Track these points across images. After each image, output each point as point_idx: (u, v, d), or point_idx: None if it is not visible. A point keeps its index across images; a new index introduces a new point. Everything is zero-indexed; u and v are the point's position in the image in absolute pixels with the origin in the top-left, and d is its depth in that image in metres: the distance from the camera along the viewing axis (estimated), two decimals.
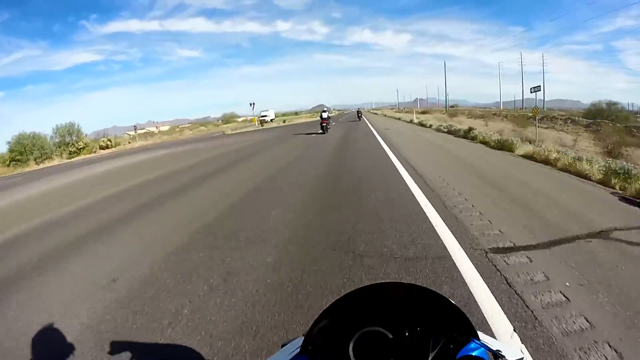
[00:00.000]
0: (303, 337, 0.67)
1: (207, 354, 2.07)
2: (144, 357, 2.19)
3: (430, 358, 0.59)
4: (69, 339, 2.37)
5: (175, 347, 2.19)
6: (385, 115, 50.92)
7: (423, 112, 47.67)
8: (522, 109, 49.83)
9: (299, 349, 0.65)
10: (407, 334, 0.62)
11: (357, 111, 39.04)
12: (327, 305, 0.64)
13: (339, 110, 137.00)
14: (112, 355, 2.22)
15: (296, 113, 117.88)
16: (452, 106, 70.51)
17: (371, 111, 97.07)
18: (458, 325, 0.62)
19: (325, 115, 21.18)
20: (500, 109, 52.69)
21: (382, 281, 0.68)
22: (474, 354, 0.59)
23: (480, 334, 0.65)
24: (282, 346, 0.78)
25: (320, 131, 20.22)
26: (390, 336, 0.62)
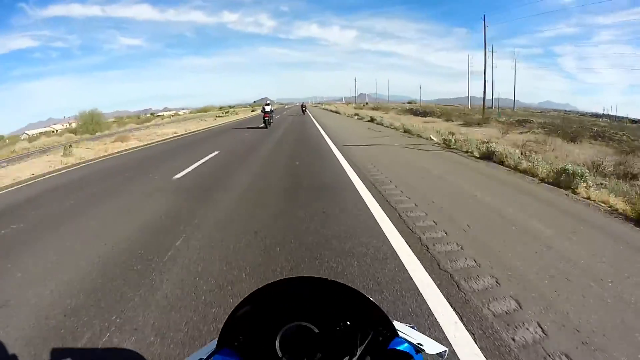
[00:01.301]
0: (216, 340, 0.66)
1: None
2: None
3: (358, 352, 0.60)
4: None
5: (115, 351, 2.09)
6: (327, 110, 53.65)
7: (358, 108, 55.11)
8: (491, 108, 51.19)
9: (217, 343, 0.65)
10: (334, 329, 0.62)
11: (302, 105, 39.51)
12: (245, 296, 0.64)
13: (283, 104, 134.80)
14: None
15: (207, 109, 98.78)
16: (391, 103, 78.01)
17: (316, 105, 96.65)
18: (379, 321, 0.63)
19: (268, 108, 20.11)
20: (457, 106, 54.13)
21: (299, 275, 0.70)
22: (400, 347, 0.62)
23: (404, 327, 0.70)
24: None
25: (262, 125, 19.57)
26: (317, 331, 0.62)
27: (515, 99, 51.93)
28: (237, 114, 52.74)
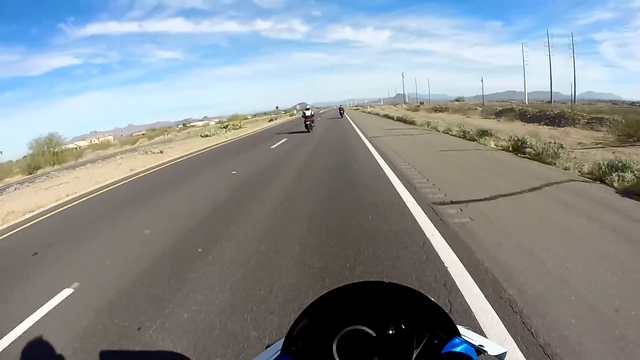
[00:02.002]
0: (282, 340, 0.70)
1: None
2: None
3: (414, 355, 0.60)
4: None
5: (164, 354, 2.17)
6: (366, 112, 49.23)
7: (411, 110, 45.27)
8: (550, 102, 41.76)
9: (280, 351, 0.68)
10: (390, 332, 0.62)
11: (339, 108, 40.05)
12: (307, 305, 0.66)
13: (319, 108, 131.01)
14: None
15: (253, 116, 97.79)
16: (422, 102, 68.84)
17: (356, 108, 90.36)
18: (439, 322, 0.63)
19: (308, 113, 19.76)
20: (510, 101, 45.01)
21: (361, 280, 0.68)
22: (457, 349, 0.61)
23: (463, 329, 0.67)
24: (267, 347, 0.81)
25: (305, 130, 19.31)
26: (374, 334, 0.62)
27: (555, 91, 46.25)
28: (271, 120, 49.60)
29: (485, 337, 0.69)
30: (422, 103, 64.24)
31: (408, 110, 43.45)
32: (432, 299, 0.64)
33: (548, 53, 44.60)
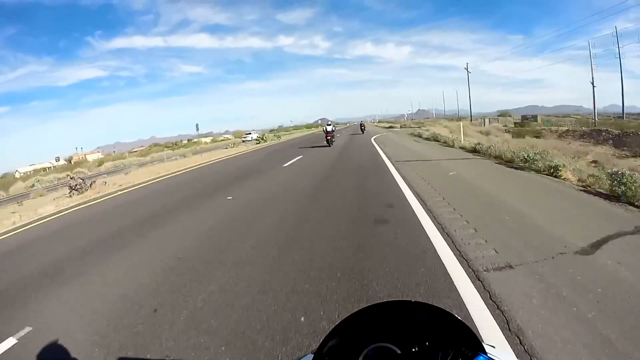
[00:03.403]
0: (311, 354, 0.71)
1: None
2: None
3: None
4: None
5: None
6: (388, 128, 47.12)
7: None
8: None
9: None
10: (414, 349, 0.64)
11: (360, 124, 40.07)
12: (335, 325, 0.68)
13: (339, 124, 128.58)
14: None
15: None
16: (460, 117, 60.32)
17: (373, 123, 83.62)
18: (464, 339, 0.64)
19: (329, 128, 20.75)
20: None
21: (388, 300, 0.72)
22: None
23: (489, 348, 0.67)
24: None
25: (325, 144, 20.09)
26: (398, 352, 0.64)
27: (577, 104, 39.46)
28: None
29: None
30: (461, 118, 55.23)
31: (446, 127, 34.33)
32: (458, 317, 0.65)
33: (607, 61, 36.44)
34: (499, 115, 53.09)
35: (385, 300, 0.69)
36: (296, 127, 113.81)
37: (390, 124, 64.18)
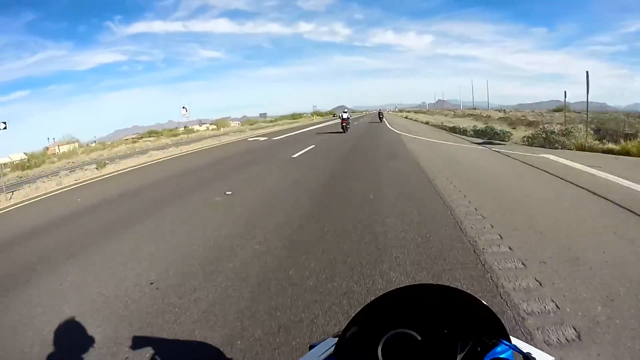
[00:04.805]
0: (332, 338, 0.76)
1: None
2: (166, 353, 2.36)
3: (458, 358, 0.62)
4: None
5: (197, 344, 2.33)
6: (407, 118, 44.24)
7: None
8: None
9: (329, 350, 0.72)
10: (435, 336, 0.64)
11: (379, 112, 39.92)
12: (360, 309, 0.68)
13: (357, 112, 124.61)
14: (134, 350, 2.39)
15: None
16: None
17: (399, 112, 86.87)
18: (489, 326, 0.65)
19: (345, 115, 23.61)
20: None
21: (414, 283, 0.71)
22: (502, 356, 0.62)
23: (513, 338, 0.68)
24: (310, 347, 0.86)
25: (341, 130, 22.76)
26: (419, 338, 0.64)
27: (599, 102, 39.33)
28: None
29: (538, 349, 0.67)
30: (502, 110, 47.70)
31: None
32: (484, 302, 0.65)
33: None
34: (554, 110, 45.27)
35: (407, 285, 0.68)
36: (294, 116, 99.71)
37: (405, 114, 58.92)
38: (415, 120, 35.87)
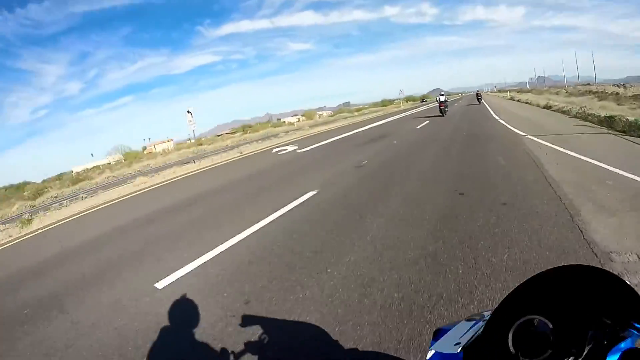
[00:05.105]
0: (464, 322, 0.78)
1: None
2: (275, 333, 2.60)
3: (585, 351, 0.58)
4: None
5: (305, 326, 2.62)
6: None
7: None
8: None
9: (467, 335, 0.72)
10: (567, 323, 0.61)
11: (477, 93, 38.59)
12: (502, 300, 0.65)
13: (452, 94, 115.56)
14: (244, 327, 2.75)
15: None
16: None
17: (490, 93, 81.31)
18: (631, 311, 0.59)
19: (442, 98, 22.74)
20: None
21: (563, 264, 0.64)
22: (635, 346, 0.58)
23: None
24: (436, 331, 0.85)
25: (439, 114, 22.25)
26: (550, 325, 0.62)
27: None
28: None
29: None
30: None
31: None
32: (628, 283, 0.60)
33: None
34: None
35: (551, 267, 0.64)
36: (384, 103, 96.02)
37: (509, 94, 48.84)
38: (526, 103, 28.21)
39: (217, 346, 2.65)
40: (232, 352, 2.43)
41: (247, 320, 2.80)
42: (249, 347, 2.42)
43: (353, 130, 23.22)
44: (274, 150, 18.60)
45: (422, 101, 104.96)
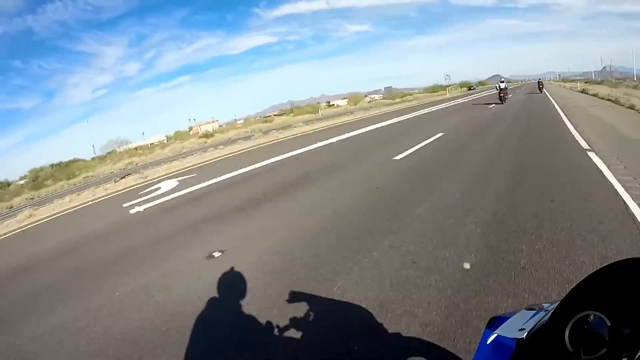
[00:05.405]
0: (525, 311, 0.78)
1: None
2: (320, 311, 2.73)
3: (638, 354, 0.53)
4: None
5: (350, 306, 2.68)
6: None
7: None
8: None
9: (528, 324, 0.72)
10: (625, 321, 0.56)
11: (538, 82, 35.93)
12: (565, 295, 0.64)
13: (512, 81, 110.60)
14: (291, 303, 2.85)
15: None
16: None
17: (553, 82, 67.17)
18: None
19: (502, 85, 22.58)
20: None
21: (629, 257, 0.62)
22: None
23: None
24: (491, 319, 0.86)
25: (499, 102, 21.69)
26: (609, 323, 0.57)
27: None
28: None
29: None
30: None
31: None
32: None
33: None
34: None
35: (614, 261, 0.61)
36: (434, 89, 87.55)
37: (580, 86, 37.92)
38: (607, 100, 17.43)
39: (263, 320, 2.80)
40: (277, 325, 2.56)
41: (295, 297, 2.88)
42: (293, 323, 2.47)
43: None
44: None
45: (471, 88, 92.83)
